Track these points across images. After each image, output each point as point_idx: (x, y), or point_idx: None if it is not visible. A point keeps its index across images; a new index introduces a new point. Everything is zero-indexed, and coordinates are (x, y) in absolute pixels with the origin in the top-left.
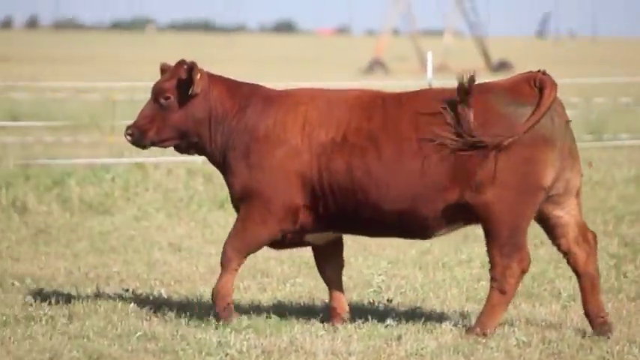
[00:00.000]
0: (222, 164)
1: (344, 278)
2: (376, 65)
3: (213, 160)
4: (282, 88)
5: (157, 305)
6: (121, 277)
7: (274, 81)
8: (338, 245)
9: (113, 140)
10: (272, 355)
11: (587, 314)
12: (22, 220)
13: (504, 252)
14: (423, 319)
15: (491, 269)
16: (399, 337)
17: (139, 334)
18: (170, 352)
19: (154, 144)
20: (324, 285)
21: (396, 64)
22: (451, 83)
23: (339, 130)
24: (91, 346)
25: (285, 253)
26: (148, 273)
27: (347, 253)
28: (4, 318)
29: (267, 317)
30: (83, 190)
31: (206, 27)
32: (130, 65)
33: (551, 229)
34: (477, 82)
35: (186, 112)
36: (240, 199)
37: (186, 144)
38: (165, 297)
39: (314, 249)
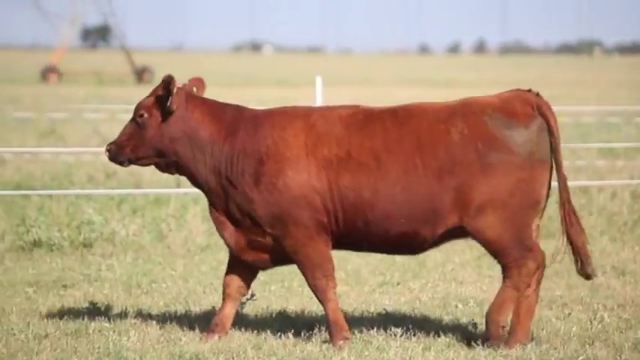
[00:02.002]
0: (220, 188)
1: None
2: None
3: (197, 182)
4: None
5: (599, 329)
6: (564, 301)
7: None
8: (255, 271)
9: None
10: None
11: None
12: (466, 244)
13: (516, 256)
14: None
15: (506, 270)
16: None
17: (581, 358)
18: None
19: (131, 161)
20: None
21: None
22: None
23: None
24: None
25: None
26: (590, 297)
27: None
28: (449, 340)
29: None
30: None
31: None
32: (574, 90)
33: None
34: (465, 98)
35: (162, 131)
36: (272, 227)
37: (165, 163)
38: (608, 321)
39: (232, 258)
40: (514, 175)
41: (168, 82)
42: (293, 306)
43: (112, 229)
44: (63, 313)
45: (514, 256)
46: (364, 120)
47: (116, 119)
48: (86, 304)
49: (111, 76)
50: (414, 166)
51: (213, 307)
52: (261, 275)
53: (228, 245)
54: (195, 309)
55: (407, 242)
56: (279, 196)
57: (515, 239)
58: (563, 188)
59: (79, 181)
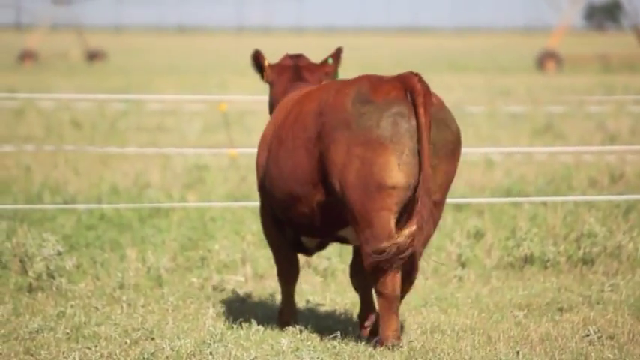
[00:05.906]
0: None
1: None
2: None
3: None
4: None
5: None
6: None
7: None
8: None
9: None
10: None
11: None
12: None
13: (368, 252)
14: None
15: (369, 275)
16: None
17: None
18: None
19: None
20: None
21: None
22: None
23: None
24: None
25: None
26: None
27: None
28: None
29: None
30: None
31: None
32: None
33: None
34: (363, 74)
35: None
36: None
37: None
38: None
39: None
40: (349, 152)
41: (255, 57)
42: None
43: (617, 242)
44: (557, 341)
45: (367, 252)
46: (298, 96)
47: (624, 112)
48: (585, 331)
49: (620, 62)
50: (286, 139)
51: None
52: None
53: None
54: None
55: (302, 221)
56: (256, 172)
57: (364, 226)
58: (423, 180)
59: (580, 185)
